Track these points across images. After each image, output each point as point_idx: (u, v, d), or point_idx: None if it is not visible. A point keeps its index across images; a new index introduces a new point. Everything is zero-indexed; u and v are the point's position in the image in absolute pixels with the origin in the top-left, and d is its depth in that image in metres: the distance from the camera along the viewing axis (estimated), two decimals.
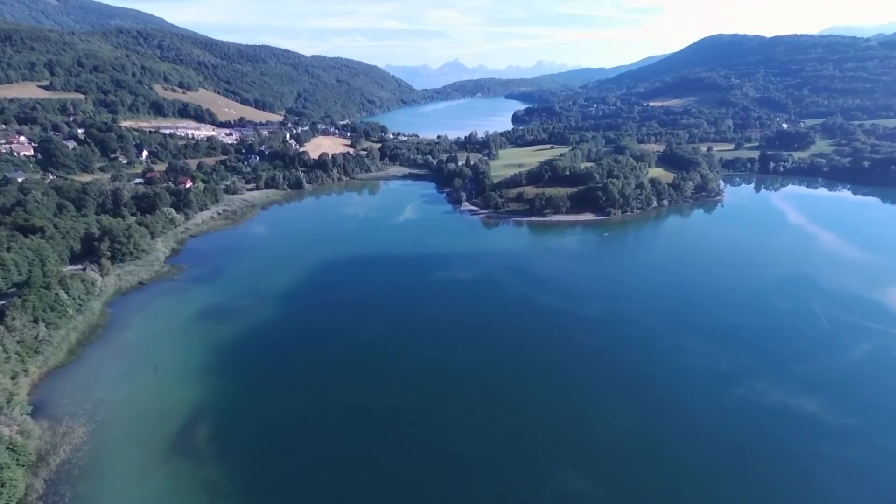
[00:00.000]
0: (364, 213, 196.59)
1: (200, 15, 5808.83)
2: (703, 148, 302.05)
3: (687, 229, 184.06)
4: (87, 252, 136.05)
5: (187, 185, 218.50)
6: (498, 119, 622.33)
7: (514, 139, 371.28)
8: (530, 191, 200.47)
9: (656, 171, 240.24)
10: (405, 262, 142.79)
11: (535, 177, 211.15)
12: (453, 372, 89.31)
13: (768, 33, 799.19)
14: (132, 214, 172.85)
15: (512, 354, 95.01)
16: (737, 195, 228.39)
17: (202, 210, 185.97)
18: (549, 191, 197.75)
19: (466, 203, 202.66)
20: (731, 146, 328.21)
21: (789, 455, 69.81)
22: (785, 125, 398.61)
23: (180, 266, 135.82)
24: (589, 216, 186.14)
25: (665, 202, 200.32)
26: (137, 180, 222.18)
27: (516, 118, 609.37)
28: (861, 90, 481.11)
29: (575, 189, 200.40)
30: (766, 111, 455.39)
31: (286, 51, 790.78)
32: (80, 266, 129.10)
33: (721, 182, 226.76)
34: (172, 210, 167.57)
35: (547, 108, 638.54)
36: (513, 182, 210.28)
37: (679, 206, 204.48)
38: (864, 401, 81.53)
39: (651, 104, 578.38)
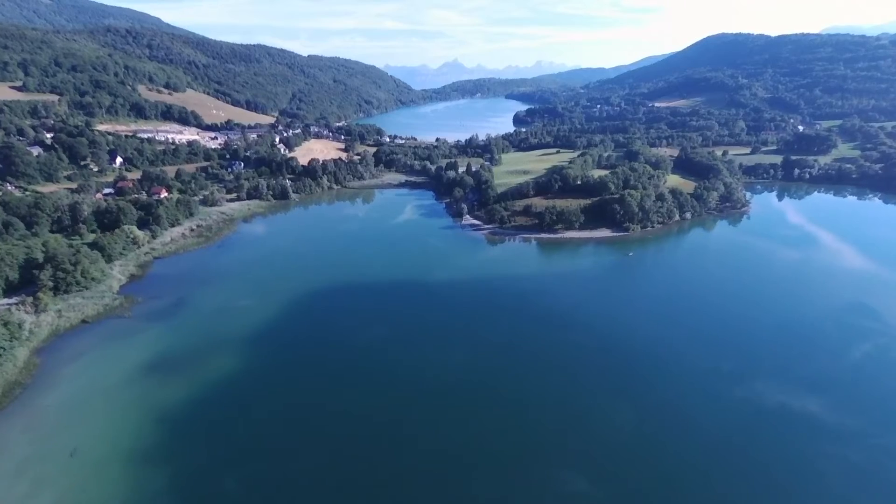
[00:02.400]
0: (354, 229, 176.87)
1: (198, 15, 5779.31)
2: (719, 152, 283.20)
3: (719, 248, 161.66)
4: (27, 282, 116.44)
5: (162, 196, 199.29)
6: (498, 120, 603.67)
7: (516, 142, 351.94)
8: (538, 203, 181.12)
9: (673, 179, 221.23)
10: (401, 295, 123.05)
11: (543, 187, 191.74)
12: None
13: (770, 33, 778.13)
14: (92, 232, 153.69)
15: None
16: (763, 206, 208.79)
17: (173, 226, 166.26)
18: (560, 203, 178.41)
19: (468, 216, 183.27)
20: (748, 150, 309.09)
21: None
22: (800, 127, 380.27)
23: (135, 298, 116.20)
24: (605, 232, 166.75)
25: (688, 215, 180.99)
26: (107, 190, 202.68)
27: (517, 119, 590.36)
28: (875, 90, 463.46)
29: (588, 201, 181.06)
30: (779, 112, 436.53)
31: (282, 50, 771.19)
32: (14, 299, 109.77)
33: (746, 192, 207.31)
34: (134, 228, 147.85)
35: (549, 108, 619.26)
36: (519, 192, 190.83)
37: (702, 220, 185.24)
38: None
39: (656, 105, 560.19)
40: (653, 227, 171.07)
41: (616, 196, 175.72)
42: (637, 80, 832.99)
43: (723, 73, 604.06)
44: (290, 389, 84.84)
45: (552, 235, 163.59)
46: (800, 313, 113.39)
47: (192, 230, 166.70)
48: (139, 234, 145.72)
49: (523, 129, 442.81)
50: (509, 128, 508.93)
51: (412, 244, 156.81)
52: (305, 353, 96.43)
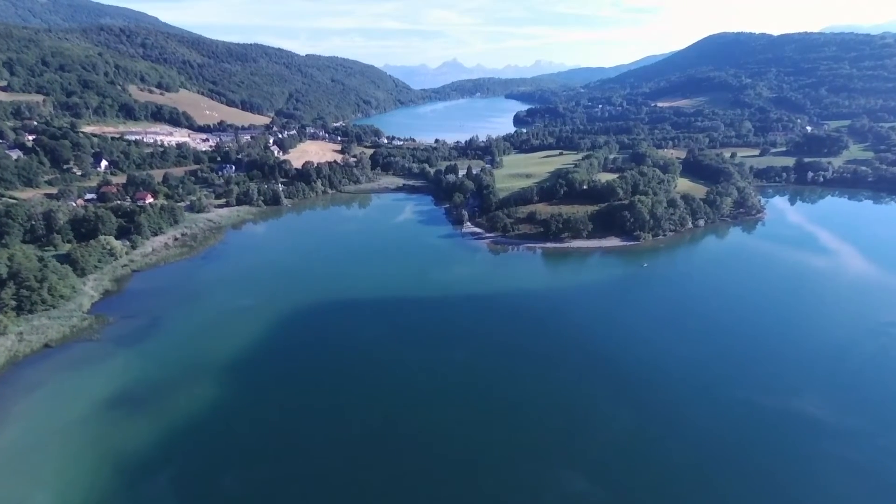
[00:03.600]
0: (348, 238, 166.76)
1: (197, 15, 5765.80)
2: (727, 154, 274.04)
3: (738, 259, 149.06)
4: None
5: (147, 201, 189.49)
6: (498, 120, 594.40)
7: (518, 144, 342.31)
8: (543, 209, 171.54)
9: (682, 183, 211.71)
10: (398, 312, 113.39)
11: (548, 192, 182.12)
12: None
13: (771, 32, 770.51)
14: (68, 242, 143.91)
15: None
16: (777, 211, 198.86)
17: (156, 234, 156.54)
18: (566, 209, 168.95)
19: (469, 223, 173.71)
20: (756, 151, 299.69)
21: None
22: (808, 128, 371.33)
23: (106, 317, 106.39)
24: (614, 241, 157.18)
25: (701, 222, 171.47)
26: (89, 196, 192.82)
27: (518, 119, 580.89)
28: (882, 90, 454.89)
29: (595, 207, 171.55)
30: (785, 112, 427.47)
31: (279, 49, 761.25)
32: None
33: (760, 197, 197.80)
34: (111, 239, 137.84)
35: (550, 108, 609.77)
36: (522, 198, 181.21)
37: (715, 227, 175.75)
38: None
39: (659, 105, 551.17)
40: (664, 235, 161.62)
41: (625, 202, 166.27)
42: (638, 80, 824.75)
43: (726, 73, 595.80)
44: (275, 431, 75.14)
45: (558, 245, 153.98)
46: (832, 334, 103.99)
47: (175, 239, 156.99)
48: (116, 244, 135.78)
49: (524, 130, 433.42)
50: (510, 128, 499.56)
51: (410, 256, 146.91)
52: (291, 385, 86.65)
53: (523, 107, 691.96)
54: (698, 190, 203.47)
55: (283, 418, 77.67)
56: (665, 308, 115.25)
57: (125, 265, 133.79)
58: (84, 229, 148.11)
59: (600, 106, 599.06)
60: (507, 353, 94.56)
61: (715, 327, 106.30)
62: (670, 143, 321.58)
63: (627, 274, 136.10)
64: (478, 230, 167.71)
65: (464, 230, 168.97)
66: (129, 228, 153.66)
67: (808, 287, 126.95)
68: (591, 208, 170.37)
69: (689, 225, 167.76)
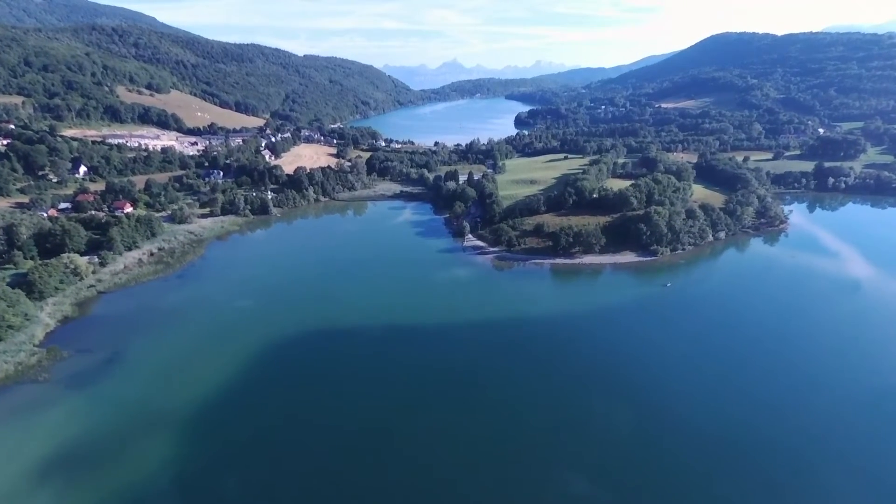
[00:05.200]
0: (340, 253, 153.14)
1: (196, 16, 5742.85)
2: (739, 158, 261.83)
3: (766, 276, 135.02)
4: None
5: (125, 210, 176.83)
6: (499, 121, 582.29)
7: (520, 147, 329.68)
8: (551, 221, 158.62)
9: (697, 191, 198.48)
10: (392, 342, 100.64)
11: (555, 202, 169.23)
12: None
13: (774, 31, 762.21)
14: (31, 258, 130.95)
15: None
16: (799, 221, 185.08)
17: (130, 249, 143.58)
18: (576, 221, 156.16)
19: (471, 236, 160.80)
20: (769, 155, 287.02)
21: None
22: (821, 130, 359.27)
23: (59, 351, 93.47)
24: (629, 256, 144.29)
25: (721, 234, 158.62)
26: (63, 205, 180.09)
27: (519, 121, 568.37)
28: (894, 90, 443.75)
29: (607, 218, 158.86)
30: (795, 114, 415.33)
31: (276, 49, 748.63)
32: None
33: (783, 206, 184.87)
34: (76, 257, 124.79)
35: (551, 110, 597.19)
36: (528, 208, 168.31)
37: (736, 239, 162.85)
38: None
39: (663, 106, 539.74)
40: (683, 249, 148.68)
41: (640, 213, 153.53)
42: (640, 80, 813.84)
43: (730, 73, 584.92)
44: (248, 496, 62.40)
45: (568, 261, 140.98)
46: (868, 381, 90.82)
47: (151, 254, 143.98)
48: (82, 263, 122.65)
49: (526, 132, 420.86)
50: (511, 130, 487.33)
51: (406, 275, 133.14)
52: (268, 435, 73.83)
53: (524, 108, 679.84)
54: (714, 198, 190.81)
55: (259, 482, 64.81)
56: (695, 339, 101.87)
57: (91, 286, 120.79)
58: (49, 244, 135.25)
59: (603, 107, 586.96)
60: (512, 402, 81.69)
61: (753, 366, 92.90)
62: (679, 146, 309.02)
63: (648, 295, 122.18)
64: (480, 244, 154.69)
65: (465, 243, 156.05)
66: (101, 242, 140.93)
67: (844, 315, 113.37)
68: (602, 219, 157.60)
69: (710, 238, 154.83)
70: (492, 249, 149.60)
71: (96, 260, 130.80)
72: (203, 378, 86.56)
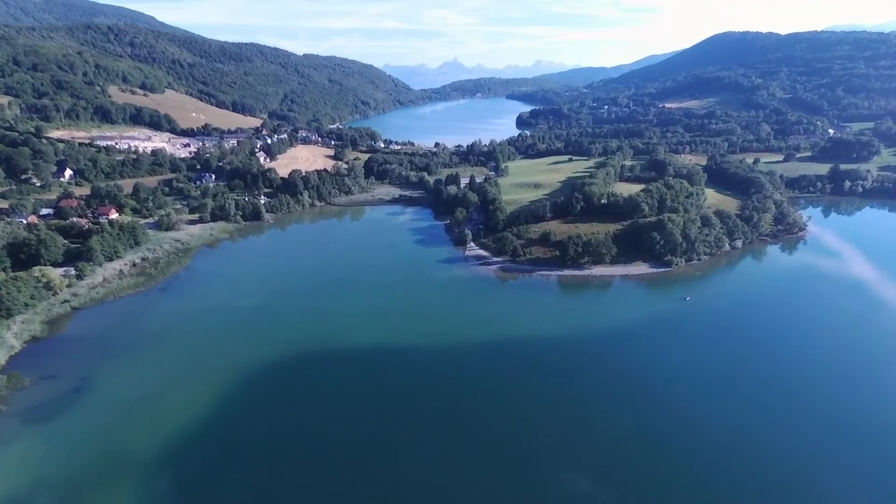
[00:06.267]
0: (333, 263, 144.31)
1: (197, 16, 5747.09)
2: (749, 160, 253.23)
3: (790, 288, 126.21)
4: None
5: (110, 217, 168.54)
6: (500, 122, 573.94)
7: (523, 148, 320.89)
8: (558, 229, 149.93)
9: (709, 195, 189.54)
10: (385, 367, 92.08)
11: (562, 208, 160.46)
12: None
13: (778, 31, 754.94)
14: (2, 270, 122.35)
15: None
16: (817, 227, 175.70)
17: (111, 260, 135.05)
18: (584, 229, 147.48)
19: (473, 244, 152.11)
20: (780, 157, 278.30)
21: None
22: (831, 131, 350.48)
23: (21, 378, 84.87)
24: (642, 267, 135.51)
25: (738, 243, 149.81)
26: (45, 211, 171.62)
27: (521, 121, 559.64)
28: None
29: (617, 226, 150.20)
30: (803, 114, 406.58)
31: (275, 49, 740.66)
32: None
33: (801, 212, 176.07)
34: (49, 270, 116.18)
35: (553, 110, 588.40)
36: (533, 214, 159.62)
37: (753, 247, 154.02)
38: None
39: (667, 106, 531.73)
40: (699, 259, 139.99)
41: (652, 220, 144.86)
42: (642, 80, 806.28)
43: (735, 73, 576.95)
44: None
45: (577, 272, 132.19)
46: None
47: (133, 265, 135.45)
48: (55, 276, 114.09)
49: (529, 133, 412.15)
50: (512, 130, 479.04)
51: (404, 289, 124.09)
52: (252, 476, 65.27)
53: (525, 107, 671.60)
54: (727, 203, 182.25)
55: None
56: (724, 363, 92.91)
57: (65, 301, 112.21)
58: (24, 255, 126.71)
59: (606, 107, 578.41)
60: (515, 441, 73.15)
61: (787, 395, 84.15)
62: (686, 147, 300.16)
63: (665, 311, 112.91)
64: (483, 253, 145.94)
65: (467, 252, 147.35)
66: (80, 252, 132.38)
67: (876, 332, 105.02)
68: (612, 227, 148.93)
69: (727, 247, 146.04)
70: (495, 260, 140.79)
71: (73, 272, 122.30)
72: (179, 410, 77.99)
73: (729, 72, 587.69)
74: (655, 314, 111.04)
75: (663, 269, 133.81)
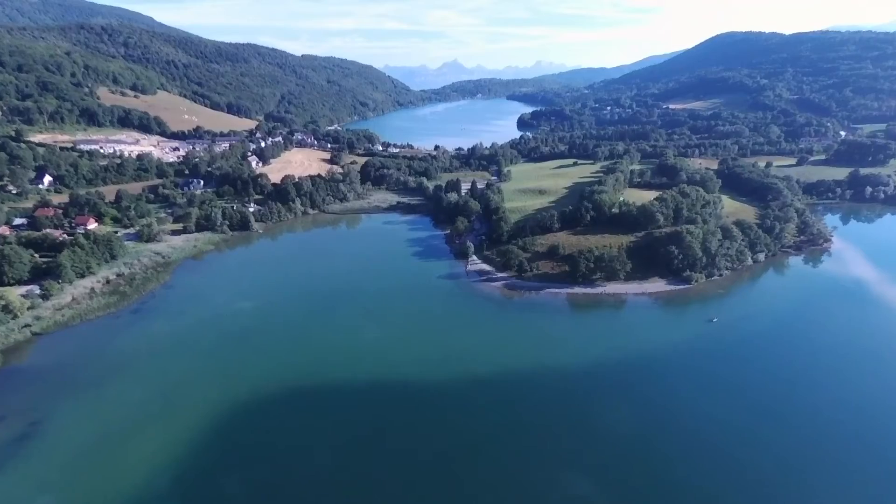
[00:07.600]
0: (324, 278, 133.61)
1: (196, 16, 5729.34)
2: (761, 164, 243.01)
3: (827, 307, 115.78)
4: None
5: (89, 227, 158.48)
6: (501, 123, 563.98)
7: (526, 151, 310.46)
8: (567, 241, 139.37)
9: (724, 202, 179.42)
10: (376, 409, 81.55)
11: (570, 218, 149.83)
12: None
13: (780, 31, 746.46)
14: None
15: None
16: (840, 237, 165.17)
17: (83, 276, 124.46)
18: (595, 241, 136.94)
19: (475, 257, 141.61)
20: (792, 161, 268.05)
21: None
22: (843, 133, 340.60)
23: None
24: (659, 284, 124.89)
25: (760, 256, 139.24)
26: (19, 220, 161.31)
27: (522, 123, 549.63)
28: None
29: (630, 238, 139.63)
30: (813, 115, 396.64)
31: (273, 49, 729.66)
32: None
33: (825, 222, 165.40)
34: (8, 291, 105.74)
35: (555, 111, 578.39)
36: (539, 225, 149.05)
37: (776, 260, 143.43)
38: None
39: (671, 107, 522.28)
40: (720, 275, 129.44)
41: (668, 232, 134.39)
42: (644, 81, 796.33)
43: (740, 73, 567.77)
44: None
45: (589, 290, 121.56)
46: None
47: (107, 282, 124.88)
48: (14, 298, 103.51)
49: (531, 135, 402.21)
50: (514, 132, 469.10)
51: (399, 311, 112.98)
52: None
53: (526, 108, 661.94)
54: (744, 211, 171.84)
55: None
56: (762, 396, 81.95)
57: (26, 325, 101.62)
58: None
59: (608, 108, 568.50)
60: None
61: (840, 434, 73.95)
62: (695, 150, 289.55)
63: (690, 335, 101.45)
64: (487, 268, 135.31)
65: (469, 267, 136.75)
66: (49, 269, 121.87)
67: None
68: (625, 239, 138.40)
69: (749, 261, 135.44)
70: (500, 275, 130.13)
71: (37, 292, 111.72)
72: (144, 458, 67.83)
73: (733, 72, 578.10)
74: (679, 340, 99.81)
75: (682, 286, 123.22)
